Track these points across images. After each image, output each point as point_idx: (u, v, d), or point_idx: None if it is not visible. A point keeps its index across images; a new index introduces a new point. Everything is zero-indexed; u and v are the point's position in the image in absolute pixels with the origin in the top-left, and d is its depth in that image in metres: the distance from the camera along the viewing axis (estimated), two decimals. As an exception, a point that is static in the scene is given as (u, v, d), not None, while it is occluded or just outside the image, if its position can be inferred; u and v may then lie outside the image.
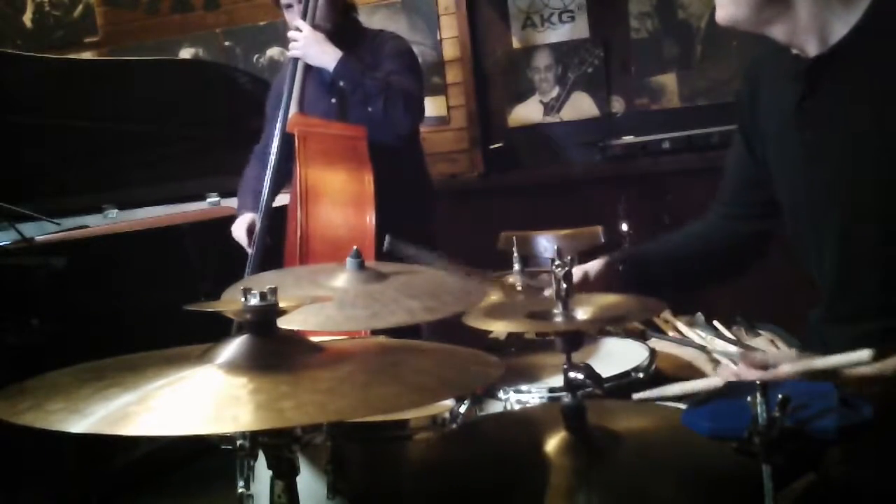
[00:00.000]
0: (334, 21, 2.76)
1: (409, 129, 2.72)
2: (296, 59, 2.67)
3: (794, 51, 1.35)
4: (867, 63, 1.26)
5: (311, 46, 2.63)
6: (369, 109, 2.61)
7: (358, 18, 2.91)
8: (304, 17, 2.67)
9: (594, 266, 1.61)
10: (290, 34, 2.70)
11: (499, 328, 1.14)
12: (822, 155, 1.34)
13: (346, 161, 2.60)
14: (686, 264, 1.67)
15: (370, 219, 2.53)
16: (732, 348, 1.59)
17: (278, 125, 2.66)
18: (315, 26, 2.67)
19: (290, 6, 2.76)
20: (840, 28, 1.27)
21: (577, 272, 1.58)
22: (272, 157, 2.66)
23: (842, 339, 1.40)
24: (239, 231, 2.78)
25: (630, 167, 3.77)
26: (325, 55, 2.62)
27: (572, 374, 1.05)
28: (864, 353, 1.13)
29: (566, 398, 1.04)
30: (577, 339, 1.14)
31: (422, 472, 1.07)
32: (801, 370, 1.19)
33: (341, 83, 2.63)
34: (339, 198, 2.58)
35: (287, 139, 2.64)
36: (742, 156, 1.58)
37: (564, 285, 1.13)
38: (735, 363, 1.50)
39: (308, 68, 2.71)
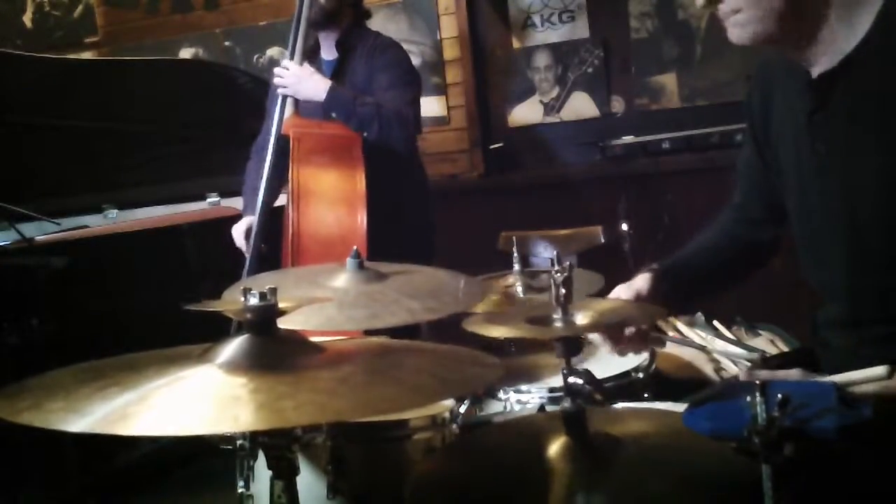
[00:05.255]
0: (348, 22, 2.77)
1: (406, 148, 2.73)
2: (284, 97, 2.67)
3: (803, 64, 1.34)
4: (877, 74, 1.26)
5: (300, 83, 2.64)
6: (364, 134, 2.61)
7: (366, 24, 2.91)
8: (291, 56, 2.67)
9: (643, 284, 1.53)
10: (276, 71, 2.69)
11: (498, 334, 1.14)
12: (833, 165, 1.33)
13: (338, 161, 2.61)
14: (708, 272, 1.66)
15: (361, 218, 2.54)
16: (732, 348, 1.59)
17: (272, 135, 2.66)
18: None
19: None
20: (850, 40, 1.26)
21: (629, 293, 1.52)
22: (267, 162, 2.66)
23: (844, 344, 1.40)
24: (238, 235, 2.77)
25: (630, 167, 3.77)
26: (315, 88, 2.62)
27: (572, 380, 1.05)
28: (881, 370, 1.10)
29: (566, 404, 1.03)
30: (577, 344, 1.14)
31: (423, 481, 1.07)
32: None
33: (333, 114, 2.63)
34: (331, 197, 2.59)
35: (282, 141, 2.64)
36: (752, 161, 1.57)
37: (563, 291, 1.13)
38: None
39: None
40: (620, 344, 1.46)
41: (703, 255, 1.68)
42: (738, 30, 1.28)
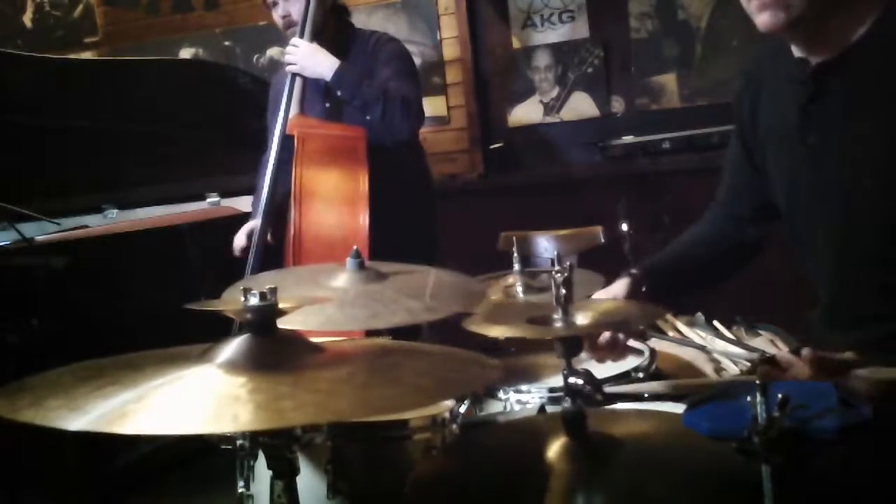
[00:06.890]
0: (332, 27, 2.76)
1: (409, 134, 2.73)
2: (293, 76, 2.66)
3: (799, 54, 1.33)
4: (873, 68, 1.26)
5: (307, 59, 2.64)
6: (367, 118, 2.61)
7: (351, 21, 2.91)
8: (301, 34, 2.67)
9: (621, 290, 1.57)
10: (287, 49, 2.68)
11: (498, 333, 1.14)
12: (825, 159, 1.33)
13: (342, 161, 2.60)
14: (695, 269, 1.67)
15: (363, 219, 2.54)
16: (732, 348, 1.59)
17: (277, 131, 2.65)
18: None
19: (276, 4, 2.75)
20: (850, 33, 1.26)
21: (606, 297, 1.55)
22: (271, 160, 2.66)
23: (841, 342, 1.40)
24: (237, 239, 2.76)
25: (630, 167, 3.77)
26: (322, 66, 2.63)
27: (572, 380, 1.05)
28: None
29: (566, 404, 1.03)
30: (577, 344, 1.14)
31: (423, 481, 1.07)
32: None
33: (339, 93, 2.63)
34: (333, 197, 2.59)
35: (287, 142, 2.64)
36: (739, 159, 1.57)
37: (564, 291, 1.13)
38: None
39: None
40: (596, 351, 1.48)
41: (689, 253, 1.69)
42: (764, 16, 1.24)
